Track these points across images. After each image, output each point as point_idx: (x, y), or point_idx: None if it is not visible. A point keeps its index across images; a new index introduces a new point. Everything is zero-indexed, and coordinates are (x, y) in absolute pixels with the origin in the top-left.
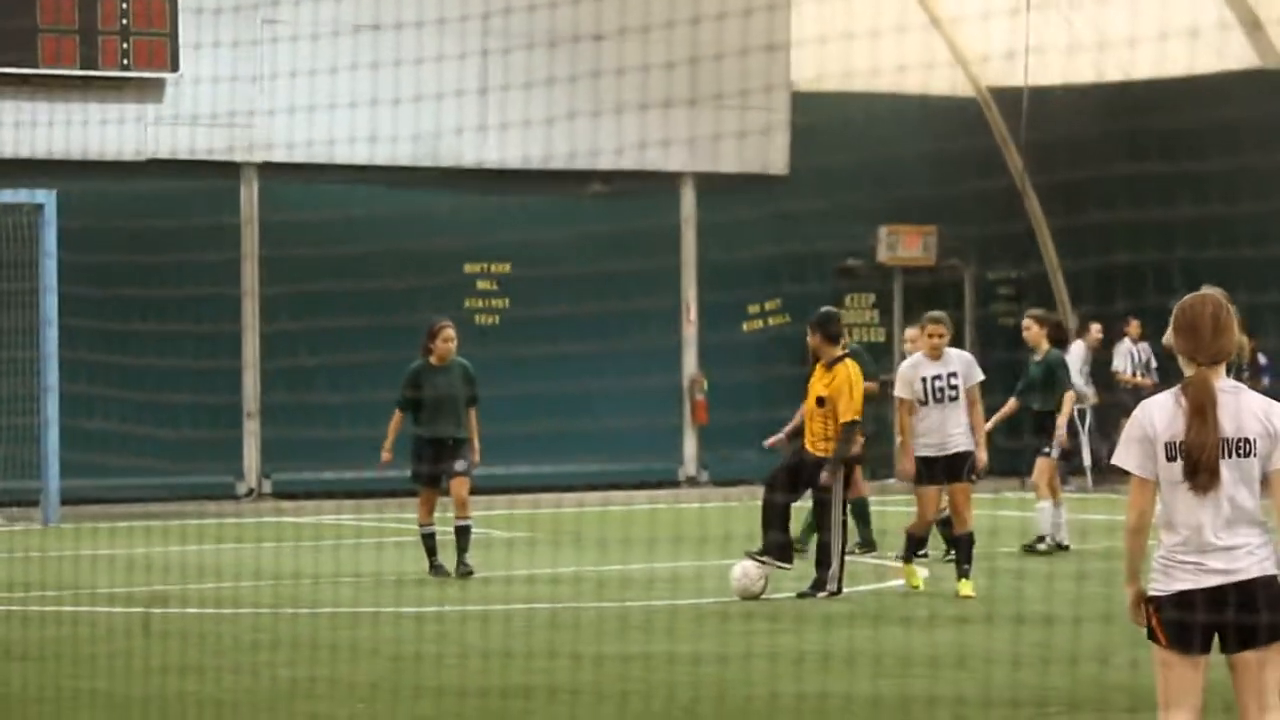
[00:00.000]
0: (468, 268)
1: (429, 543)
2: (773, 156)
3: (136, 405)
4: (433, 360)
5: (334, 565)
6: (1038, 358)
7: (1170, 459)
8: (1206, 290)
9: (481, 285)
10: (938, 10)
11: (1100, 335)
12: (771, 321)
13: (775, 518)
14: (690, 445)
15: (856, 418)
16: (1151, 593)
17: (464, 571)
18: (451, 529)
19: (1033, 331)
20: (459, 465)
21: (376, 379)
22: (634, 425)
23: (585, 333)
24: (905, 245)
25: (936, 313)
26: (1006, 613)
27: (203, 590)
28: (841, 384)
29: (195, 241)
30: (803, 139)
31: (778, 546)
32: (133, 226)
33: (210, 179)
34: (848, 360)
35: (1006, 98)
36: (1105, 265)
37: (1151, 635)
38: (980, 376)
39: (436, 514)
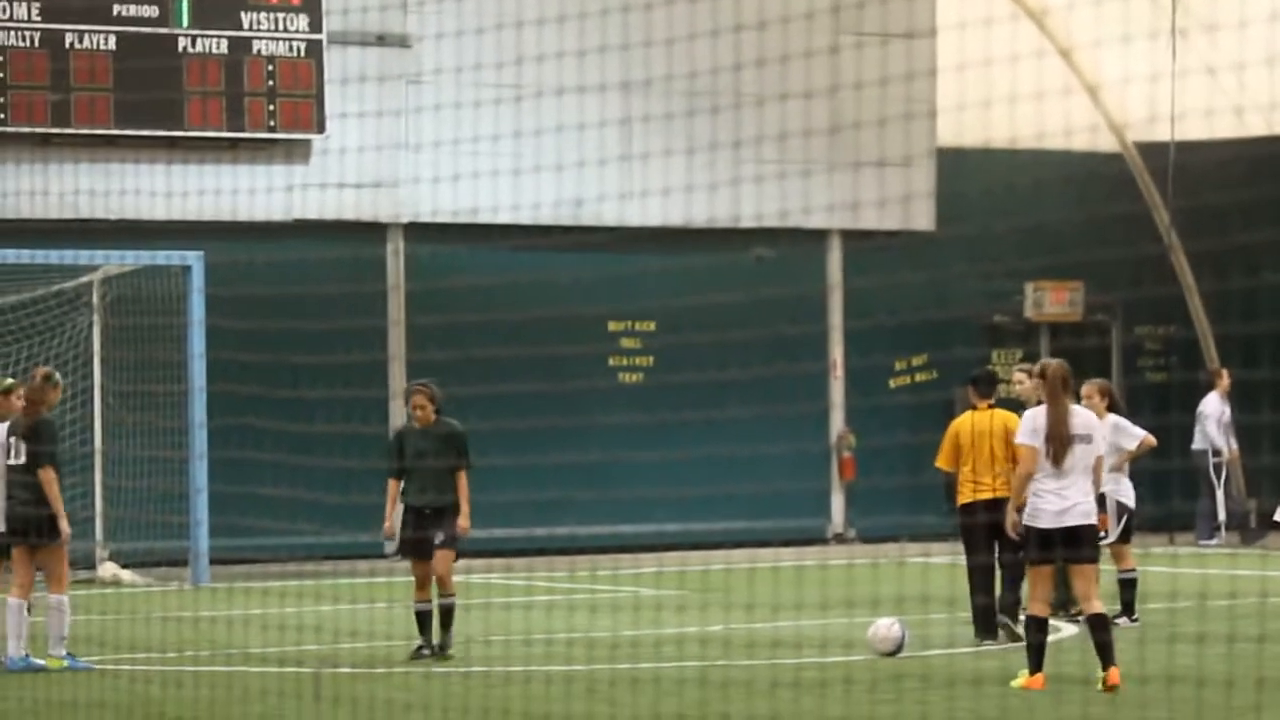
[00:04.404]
0: (612, 325)
1: (419, 621)
2: (919, 215)
3: (289, 469)
4: (415, 424)
5: (483, 624)
6: None
7: None
8: None
9: (626, 343)
10: (1085, 73)
11: (1230, 383)
12: (919, 378)
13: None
14: (838, 503)
15: (938, 465)
16: None
17: (441, 652)
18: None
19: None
20: (438, 538)
21: (526, 442)
22: (781, 480)
23: (732, 390)
24: (1052, 301)
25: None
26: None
27: (355, 650)
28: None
29: (341, 306)
30: (949, 196)
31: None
32: (279, 292)
33: (356, 242)
34: (970, 411)
35: (1153, 153)
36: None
37: None
38: None
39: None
